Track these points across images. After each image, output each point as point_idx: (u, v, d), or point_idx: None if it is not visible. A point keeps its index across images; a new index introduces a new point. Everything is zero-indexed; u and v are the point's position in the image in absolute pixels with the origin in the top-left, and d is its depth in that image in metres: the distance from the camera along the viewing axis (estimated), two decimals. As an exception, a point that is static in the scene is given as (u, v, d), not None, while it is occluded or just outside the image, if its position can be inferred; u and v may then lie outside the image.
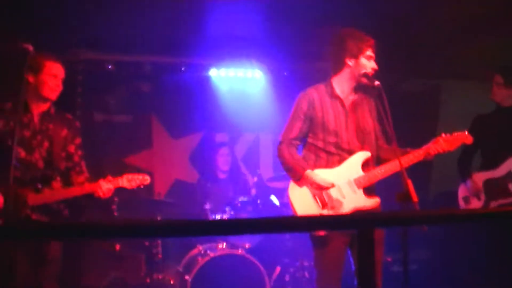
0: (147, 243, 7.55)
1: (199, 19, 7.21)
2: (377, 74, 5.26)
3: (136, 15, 7.20)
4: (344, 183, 5.04)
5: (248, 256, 6.82)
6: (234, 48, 8.29)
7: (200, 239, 7.45)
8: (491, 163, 6.51)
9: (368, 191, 5.06)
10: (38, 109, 5.22)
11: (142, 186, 5.55)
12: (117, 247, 7.54)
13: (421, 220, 2.92)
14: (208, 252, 6.90)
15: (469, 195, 6.53)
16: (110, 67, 8.29)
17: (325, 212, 4.98)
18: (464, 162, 6.74)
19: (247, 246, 7.31)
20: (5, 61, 6.78)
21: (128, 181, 5.46)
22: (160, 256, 7.49)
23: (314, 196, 5.05)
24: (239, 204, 7.42)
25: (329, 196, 5.03)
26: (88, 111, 8.42)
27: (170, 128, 9.09)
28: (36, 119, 5.20)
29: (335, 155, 5.11)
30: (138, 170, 8.54)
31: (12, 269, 4.85)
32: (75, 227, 2.40)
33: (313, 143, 5.25)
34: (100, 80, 8.49)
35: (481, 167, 6.63)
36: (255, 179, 8.13)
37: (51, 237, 3.69)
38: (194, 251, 7.22)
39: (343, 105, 5.23)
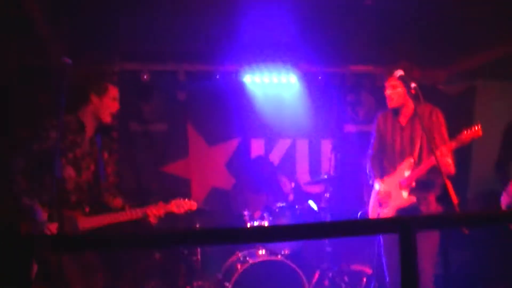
0: (186, 252, 7.58)
1: (233, 25, 7.22)
2: (413, 76, 5.35)
3: (169, 24, 7.24)
4: (394, 187, 5.89)
5: (287, 261, 6.81)
6: (268, 54, 8.31)
7: (239, 246, 7.46)
8: None
9: (411, 191, 5.74)
10: (92, 130, 5.24)
11: (189, 212, 5.62)
12: (157, 256, 7.58)
13: (460, 222, 2.90)
14: (248, 258, 6.90)
15: (510, 203, 6.45)
16: (145, 76, 8.34)
17: (382, 210, 5.96)
18: (502, 167, 6.66)
19: (286, 252, 7.31)
20: (45, 75, 6.89)
21: (176, 206, 5.55)
22: (199, 264, 7.51)
23: (376, 198, 6.06)
24: (277, 210, 7.41)
25: (383, 198, 5.97)
26: (124, 121, 8.48)
27: (206, 135, 9.11)
28: (87, 140, 5.22)
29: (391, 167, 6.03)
30: (176, 179, 8.62)
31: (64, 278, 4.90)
32: (117, 238, 2.42)
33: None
34: (135, 90, 8.55)
35: None
36: (293, 184, 8.13)
37: (96, 247, 3.72)
38: (233, 258, 7.22)
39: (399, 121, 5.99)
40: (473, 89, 9.30)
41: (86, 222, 5.08)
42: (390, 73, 5.75)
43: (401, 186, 5.82)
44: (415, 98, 5.32)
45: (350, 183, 8.69)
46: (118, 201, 5.41)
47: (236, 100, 8.91)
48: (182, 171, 8.93)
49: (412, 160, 5.80)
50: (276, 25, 7.27)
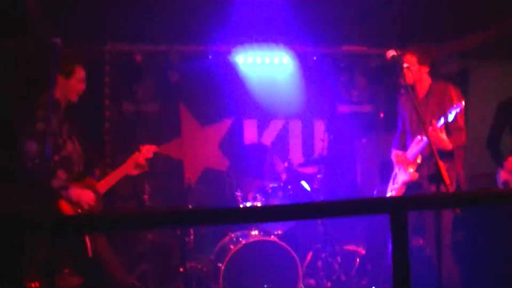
0: (178, 232, 7.58)
1: (225, 4, 7.20)
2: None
3: (161, 4, 7.21)
4: (404, 163, 6.14)
5: (280, 242, 6.81)
6: (261, 34, 8.28)
7: (232, 227, 7.47)
8: None
9: (417, 167, 5.99)
10: (64, 106, 5.36)
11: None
12: (149, 236, 7.58)
13: (453, 202, 2.90)
14: (240, 239, 6.90)
15: (508, 178, 6.49)
16: (137, 57, 8.31)
17: (394, 186, 6.23)
18: (494, 144, 6.72)
19: (279, 232, 7.31)
20: (34, 55, 6.85)
21: (146, 151, 5.77)
22: (192, 245, 7.51)
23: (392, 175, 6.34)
24: (269, 190, 7.42)
25: (396, 174, 6.25)
26: (116, 102, 8.47)
27: (199, 116, 9.09)
28: (64, 114, 5.33)
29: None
30: (169, 159, 8.62)
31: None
32: (109, 218, 2.41)
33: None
34: (127, 70, 8.53)
35: None
36: (286, 164, 8.13)
37: (89, 230, 3.74)
38: (226, 239, 7.22)
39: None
40: (467, 70, 9.29)
41: (103, 186, 5.36)
42: (406, 51, 5.85)
43: (408, 162, 6.05)
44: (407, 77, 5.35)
45: (343, 164, 8.70)
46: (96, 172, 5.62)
47: (229, 81, 8.88)
48: (175, 151, 8.92)
49: (419, 137, 5.93)
50: (269, 4, 7.25)
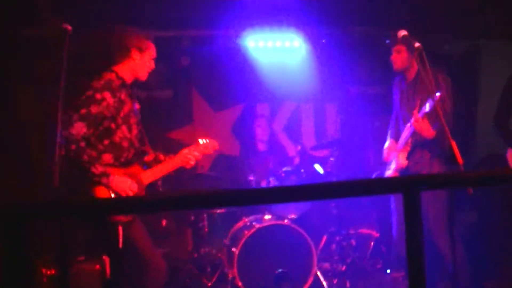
0: (193, 218, 7.60)
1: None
2: (418, 36, 5.34)
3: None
4: (396, 149, 6.24)
5: (294, 226, 6.82)
6: (272, 17, 8.26)
7: (246, 212, 7.48)
8: None
9: (408, 154, 6.04)
10: (129, 85, 5.30)
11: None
12: (164, 222, 7.59)
13: (466, 181, 2.89)
14: (254, 223, 6.90)
15: None
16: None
17: (387, 172, 6.31)
18: (503, 123, 6.69)
19: (292, 216, 7.32)
20: (46, 41, 6.85)
21: (204, 147, 5.83)
22: (206, 230, 7.53)
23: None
24: (283, 174, 7.42)
25: (387, 160, 6.37)
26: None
27: (211, 101, 9.09)
28: (128, 94, 5.26)
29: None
30: (181, 145, 8.63)
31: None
32: (123, 202, 2.41)
33: None
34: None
35: None
36: (298, 147, 8.11)
37: (104, 213, 3.73)
38: (240, 224, 7.23)
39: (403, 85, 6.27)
40: (477, 48, 9.23)
41: (148, 177, 5.27)
42: (396, 38, 5.81)
43: (399, 149, 6.13)
44: (420, 59, 5.29)
45: (356, 146, 8.69)
46: (150, 156, 5.57)
47: (240, 65, 8.86)
48: (187, 137, 8.91)
49: (408, 124, 5.95)
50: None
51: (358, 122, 8.95)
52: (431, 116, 5.62)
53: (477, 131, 8.88)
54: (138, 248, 5.12)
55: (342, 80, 9.12)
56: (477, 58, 9.14)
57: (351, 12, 7.90)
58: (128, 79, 5.25)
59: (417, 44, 5.00)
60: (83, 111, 4.89)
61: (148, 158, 5.52)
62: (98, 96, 4.96)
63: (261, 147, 8.40)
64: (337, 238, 7.66)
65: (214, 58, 8.77)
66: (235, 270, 6.57)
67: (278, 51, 8.91)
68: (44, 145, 5.21)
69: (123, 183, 5.01)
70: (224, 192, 2.46)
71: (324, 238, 7.66)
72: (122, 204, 2.52)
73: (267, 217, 7.11)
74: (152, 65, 5.38)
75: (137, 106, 5.40)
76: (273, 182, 7.36)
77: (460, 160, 4.55)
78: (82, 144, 4.84)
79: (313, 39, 8.79)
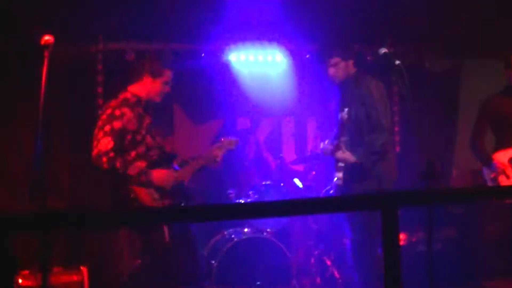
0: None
1: (218, 3, 7.20)
2: (399, 53, 5.38)
3: (154, 3, 7.21)
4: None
5: (272, 239, 6.84)
6: (254, 32, 8.28)
7: (225, 224, 7.48)
8: (508, 141, 6.59)
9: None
10: (144, 103, 5.63)
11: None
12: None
13: (445, 198, 2.91)
14: (233, 236, 6.92)
15: (496, 175, 6.55)
16: (130, 56, 8.28)
17: None
18: (479, 143, 6.82)
19: (271, 230, 7.33)
20: (28, 54, 6.83)
21: (228, 143, 6.14)
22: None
23: None
24: (262, 188, 7.43)
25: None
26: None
27: (192, 114, 9.06)
28: (144, 110, 5.60)
29: None
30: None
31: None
32: (100, 216, 2.41)
33: None
34: (121, 69, 8.50)
35: (498, 145, 6.71)
36: (278, 162, 8.13)
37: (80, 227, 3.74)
38: (219, 236, 7.24)
39: None
40: (459, 67, 9.32)
41: (180, 177, 5.75)
42: (330, 55, 6.00)
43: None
44: (400, 77, 5.30)
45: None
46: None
47: (222, 79, 8.85)
48: (168, 148, 8.90)
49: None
50: (260, 2, 7.25)
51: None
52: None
53: (456, 147, 8.95)
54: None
55: (323, 95, 9.14)
56: (458, 76, 9.23)
57: (335, 29, 7.93)
58: (143, 97, 5.61)
59: (397, 62, 5.02)
60: (107, 127, 5.28)
61: (177, 161, 5.86)
62: (118, 112, 5.35)
63: (242, 161, 8.39)
64: (316, 252, 7.66)
65: (196, 71, 8.75)
66: (214, 282, 6.58)
67: (260, 65, 8.91)
68: (24, 160, 5.26)
69: (162, 174, 5.42)
70: (203, 207, 2.47)
71: (303, 251, 7.66)
72: (101, 218, 2.52)
73: (246, 230, 7.12)
74: (166, 89, 5.71)
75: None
76: (252, 195, 7.37)
77: (438, 175, 4.58)
78: (112, 154, 5.20)
79: (295, 54, 8.81)
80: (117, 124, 5.29)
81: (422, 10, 7.57)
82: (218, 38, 8.23)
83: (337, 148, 5.80)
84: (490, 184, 6.62)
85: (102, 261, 7.57)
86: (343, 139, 5.85)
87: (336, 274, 7.50)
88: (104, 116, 5.36)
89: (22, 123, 7.16)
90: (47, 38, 4.67)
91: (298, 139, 9.40)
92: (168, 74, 5.71)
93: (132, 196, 5.29)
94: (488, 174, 6.65)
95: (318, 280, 7.46)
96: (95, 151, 5.22)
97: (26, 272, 6.01)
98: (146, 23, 7.71)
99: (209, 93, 8.87)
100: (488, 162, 6.65)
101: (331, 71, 6.07)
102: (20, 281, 5.94)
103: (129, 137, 5.35)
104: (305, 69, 8.98)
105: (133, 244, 7.36)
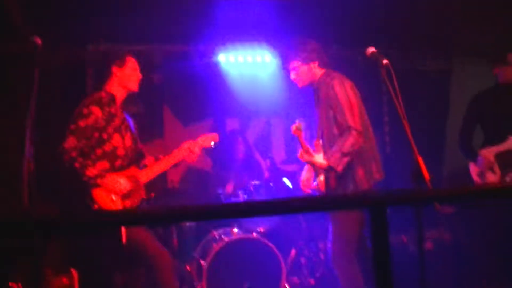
0: (161, 232, 7.58)
1: (208, 4, 7.19)
2: (391, 54, 5.36)
3: (144, 4, 7.19)
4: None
5: (262, 239, 6.84)
6: (243, 33, 8.27)
7: (215, 225, 7.48)
8: (496, 138, 6.61)
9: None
10: (121, 99, 5.73)
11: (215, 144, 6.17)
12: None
13: (434, 198, 2.91)
14: (223, 237, 6.92)
15: (483, 171, 6.57)
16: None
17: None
18: (467, 140, 6.86)
19: (261, 229, 7.33)
20: (16, 56, 6.82)
21: (203, 141, 6.07)
22: (175, 244, 7.51)
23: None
24: (252, 188, 7.43)
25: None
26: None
27: (182, 116, 9.06)
28: (119, 108, 5.70)
29: None
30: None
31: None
32: (87, 218, 2.40)
33: None
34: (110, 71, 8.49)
35: (486, 142, 6.74)
36: (268, 162, 8.14)
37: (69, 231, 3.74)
38: (209, 237, 7.24)
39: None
40: (449, 69, 9.35)
41: (144, 176, 5.69)
42: (291, 57, 5.97)
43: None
44: (388, 77, 5.28)
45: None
46: (149, 160, 6.01)
47: (211, 80, 8.86)
48: (157, 151, 8.89)
49: (319, 142, 5.97)
50: (250, 3, 7.25)
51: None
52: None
53: (445, 146, 8.97)
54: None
55: (312, 97, 9.15)
56: (448, 77, 9.26)
57: (325, 31, 7.93)
58: (120, 93, 5.69)
59: (385, 61, 5.01)
60: (73, 126, 5.39)
61: (146, 161, 5.95)
62: (85, 111, 5.43)
63: (232, 161, 8.39)
64: (306, 252, 7.66)
65: (185, 73, 8.75)
66: (204, 283, 6.58)
67: (249, 66, 8.92)
68: (14, 162, 5.26)
69: (114, 182, 5.43)
70: (193, 208, 2.47)
71: (293, 251, 7.66)
72: (92, 219, 2.51)
73: (235, 230, 7.13)
74: (138, 75, 5.78)
75: (131, 120, 5.90)
76: (242, 195, 7.37)
77: (427, 176, 4.57)
78: (74, 154, 5.29)
79: (285, 55, 8.80)
80: (82, 123, 5.39)
81: (409, 10, 7.58)
82: (208, 39, 8.23)
83: (313, 153, 5.79)
84: (476, 179, 6.66)
85: (93, 263, 7.57)
86: (319, 143, 5.86)
87: (328, 274, 7.50)
88: (75, 114, 5.46)
89: (12, 126, 7.14)
90: (36, 41, 4.67)
91: (288, 139, 9.41)
92: (131, 59, 5.77)
93: (89, 197, 5.41)
94: (473, 170, 6.69)
95: (310, 280, 7.45)
96: (59, 147, 5.34)
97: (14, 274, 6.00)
98: (135, 25, 7.71)
99: (199, 94, 8.88)
100: (474, 157, 6.69)
101: (292, 75, 5.99)
102: (10, 284, 5.92)
103: (95, 135, 5.43)
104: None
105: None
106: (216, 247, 6.71)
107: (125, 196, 5.50)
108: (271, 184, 7.58)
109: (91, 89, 8.06)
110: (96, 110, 5.45)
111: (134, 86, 5.77)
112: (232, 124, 9.26)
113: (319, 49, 5.93)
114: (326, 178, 5.77)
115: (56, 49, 7.04)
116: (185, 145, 5.91)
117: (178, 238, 7.51)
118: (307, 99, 6.19)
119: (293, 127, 5.78)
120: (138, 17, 7.47)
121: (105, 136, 5.49)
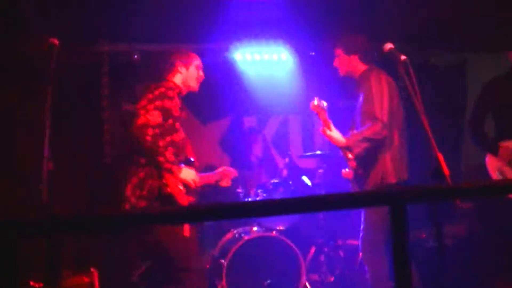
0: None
1: (222, 1, 7.19)
2: (406, 48, 5.34)
3: (159, 3, 7.20)
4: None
5: (282, 237, 6.84)
6: (259, 31, 8.26)
7: (234, 224, 7.48)
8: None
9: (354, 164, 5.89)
10: (184, 94, 5.78)
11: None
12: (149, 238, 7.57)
13: (453, 193, 2.90)
14: (243, 235, 6.92)
15: (502, 166, 6.44)
16: (135, 56, 8.29)
17: None
18: (480, 127, 6.65)
19: (280, 228, 7.33)
20: (34, 57, 6.84)
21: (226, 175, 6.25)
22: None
23: None
24: (271, 186, 7.43)
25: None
26: (116, 101, 8.44)
27: (199, 115, 9.07)
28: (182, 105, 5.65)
29: None
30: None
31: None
32: (111, 217, 2.41)
33: None
34: (126, 70, 8.51)
35: (502, 134, 6.52)
36: (286, 160, 8.13)
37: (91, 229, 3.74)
38: (229, 236, 7.25)
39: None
40: (464, 61, 9.29)
41: (201, 179, 5.78)
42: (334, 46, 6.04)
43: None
44: (405, 72, 5.26)
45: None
46: None
47: (228, 78, 8.87)
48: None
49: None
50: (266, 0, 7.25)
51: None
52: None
53: (464, 142, 8.92)
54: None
55: (329, 93, 9.13)
56: (464, 71, 9.19)
57: (340, 26, 7.90)
58: (183, 90, 5.71)
59: (402, 57, 4.99)
60: (158, 103, 5.26)
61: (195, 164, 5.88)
62: (170, 93, 5.39)
63: (250, 159, 8.40)
64: (326, 249, 7.66)
65: (203, 71, 8.77)
66: (224, 281, 6.58)
67: (265, 64, 8.91)
68: (33, 161, 5.26)
69: (191, 174, 5.47)
70: (213, 206, 2.47)
71: (313, 249, 7.66)
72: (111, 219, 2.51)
73: (255, 228, 7.14)
74: (201, 75, 5.86)
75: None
76: (261, 194, 7.37)
77: (446, 171, 4.55)
78: (157, 130, 5.18)
79: (301, 52, 8.80)
80: (168, 104, 5.33)
81: (424, 5, 7.54)
82: (223, 37, 8.23)
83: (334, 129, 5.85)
84: (493, 174, 6.48)
85: (112, 262, 7.59)
86: (352, 132, 5.89)
87: (347, 272, 7.49)
88: (157, 93, 5.33)
89: (29, 126, 7.17)
90: (53, 41, 4.67)
91: (305, 137, 9.40)
92: (196, 59, 5.87)
93: (164, 182, 5.26)
94: (491, 164, 6.52)
95: (329, 277, 7.45)
96: (141, 120, 5.15)
97: (36, 274, 6.03)
98: (151, 23, 7.71)
99: (215, 92, 8.87)
100: (488, 146, 6.52)
101: (335, 62, 6.10)
102: (31, 283, 5.95)
103: (170, 121, 5.38)
104: (310, 67, 8.97)
105: (142, 244, 7.39)
106: (236, 245, 6.71)
107: (189, 190, 5.48)
108: (290, 182, 7.57)
109: (107, 88, 8.09)
110: (176, 97, 5.47)
111: (195, 85, 5.84)
112: (249, 122, 9.25)
113: (363, 44, 5.96)
114: (357, 167, 5.79)
115: (72, 49, 7.05)
116: (221, 169, 6.21)
117: (197, 236, 7.53)
118: (323, 95, 6.20)
119: (312, 103, 5.76)
120: (153, 16, 7.47)
121: (177, 125, 5.50)
